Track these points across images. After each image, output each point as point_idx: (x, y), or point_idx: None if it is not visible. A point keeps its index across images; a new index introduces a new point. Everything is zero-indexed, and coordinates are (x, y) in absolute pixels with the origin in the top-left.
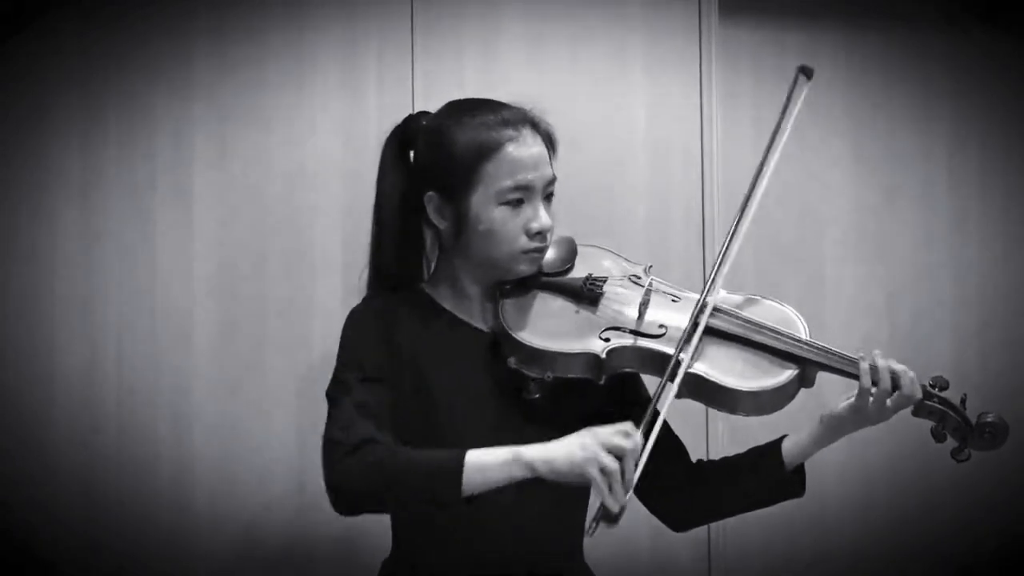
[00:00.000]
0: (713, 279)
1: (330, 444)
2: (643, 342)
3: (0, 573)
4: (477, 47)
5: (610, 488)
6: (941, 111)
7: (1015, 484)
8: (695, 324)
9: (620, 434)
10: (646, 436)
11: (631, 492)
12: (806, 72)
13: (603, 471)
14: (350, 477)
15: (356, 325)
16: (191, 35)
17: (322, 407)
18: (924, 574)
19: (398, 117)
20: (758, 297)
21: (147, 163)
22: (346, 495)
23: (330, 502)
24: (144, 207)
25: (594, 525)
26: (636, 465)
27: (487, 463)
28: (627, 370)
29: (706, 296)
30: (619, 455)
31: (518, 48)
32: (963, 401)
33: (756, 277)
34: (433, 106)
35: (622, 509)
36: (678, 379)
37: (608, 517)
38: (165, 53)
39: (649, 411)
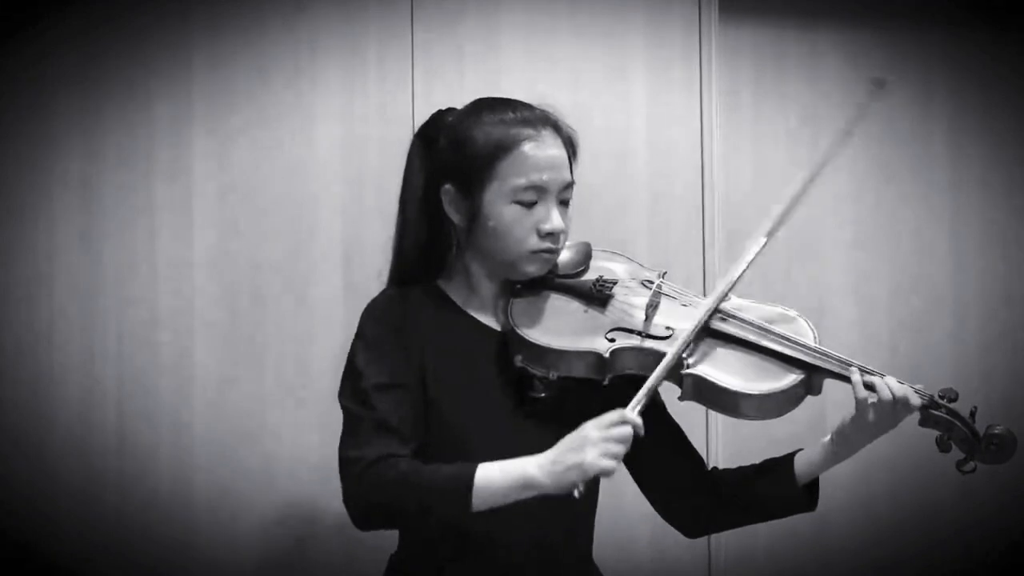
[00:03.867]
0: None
1: (348, 461)
2: (648, 343)
3: (0, 573)
4: (477, 47)
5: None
6: (941, 111)
7: (1016, 493)
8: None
9: (617, 423)
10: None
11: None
12: (878, 83)
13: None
14: (366, 494)
15: (375, 320)
16: (191, 35)
17: (322, 404)
18: None
19: (398, 117)
20: (768, 304)
21: (147, 163)
22: (362, 512)
23: (350, 518)
24: (144, 207)
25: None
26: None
27: (495, 485)
28: (631, 372)
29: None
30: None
31: (518, 48)
32: (972, 414)
33: (755, 278)
34: (432, 106)
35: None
36: (667, 361)
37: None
38: (165, 53)
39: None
